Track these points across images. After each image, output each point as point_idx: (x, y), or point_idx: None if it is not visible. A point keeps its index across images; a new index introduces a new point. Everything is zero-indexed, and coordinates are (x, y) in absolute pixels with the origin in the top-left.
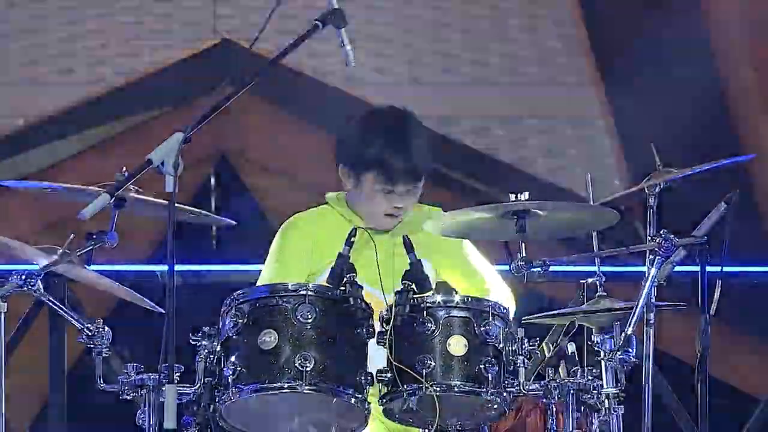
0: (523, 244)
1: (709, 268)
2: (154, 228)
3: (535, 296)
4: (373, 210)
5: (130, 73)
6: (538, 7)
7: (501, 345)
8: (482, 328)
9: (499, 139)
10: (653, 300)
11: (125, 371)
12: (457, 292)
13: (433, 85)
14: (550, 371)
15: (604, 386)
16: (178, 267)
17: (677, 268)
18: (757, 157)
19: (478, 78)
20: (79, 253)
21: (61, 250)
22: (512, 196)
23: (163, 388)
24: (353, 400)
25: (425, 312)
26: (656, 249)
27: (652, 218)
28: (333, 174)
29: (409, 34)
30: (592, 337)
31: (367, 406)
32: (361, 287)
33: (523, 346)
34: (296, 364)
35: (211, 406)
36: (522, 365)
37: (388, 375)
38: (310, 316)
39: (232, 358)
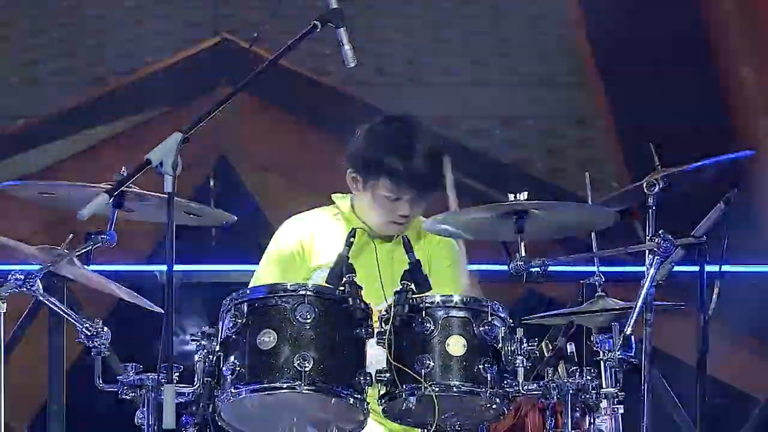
0: (522, 244)
1: (708, 268)
2: (154, 228)
3: (534, 296)
4: (379, 216)
5: (129, 73)
6: (538, 7)
7: (500, 345)
8: (481, 328)
9: (499, 140)
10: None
11: (124, 371)
12: None
13: (433, 85)
14: (549, 371)
15: (603, 386)
16: (177, 267)
17: (676, 268)
18: (756, 156)
19: (478, 78)
20: (78, 253)
21: (60, 250)
22: (511, 196)
23: (162, 388)
24: (352, 400)
25: (424, 312)
26: (655, 249)
27: (651, 218)
28: (332, 174)
29: (409, 34)
30: (591, 337)
31: (365, 406)
32: (361, 287)
33: (522, 346)
34: (295, 364)
35: (210, 406)
36: (521, 365)
37: (387, 375)
38: (309, 316)
39: (231, 358)
